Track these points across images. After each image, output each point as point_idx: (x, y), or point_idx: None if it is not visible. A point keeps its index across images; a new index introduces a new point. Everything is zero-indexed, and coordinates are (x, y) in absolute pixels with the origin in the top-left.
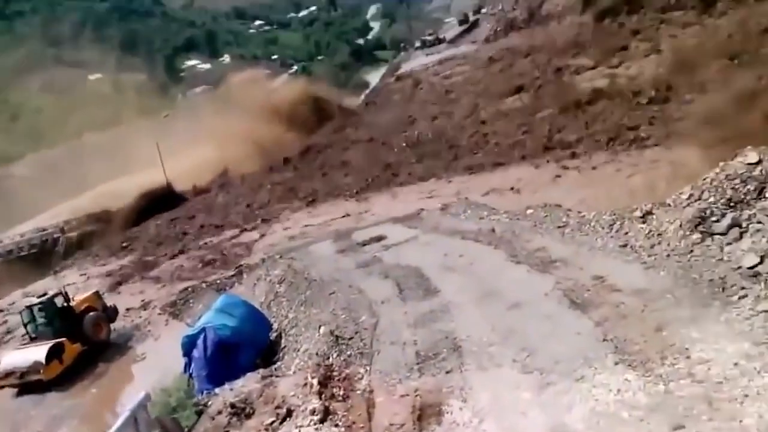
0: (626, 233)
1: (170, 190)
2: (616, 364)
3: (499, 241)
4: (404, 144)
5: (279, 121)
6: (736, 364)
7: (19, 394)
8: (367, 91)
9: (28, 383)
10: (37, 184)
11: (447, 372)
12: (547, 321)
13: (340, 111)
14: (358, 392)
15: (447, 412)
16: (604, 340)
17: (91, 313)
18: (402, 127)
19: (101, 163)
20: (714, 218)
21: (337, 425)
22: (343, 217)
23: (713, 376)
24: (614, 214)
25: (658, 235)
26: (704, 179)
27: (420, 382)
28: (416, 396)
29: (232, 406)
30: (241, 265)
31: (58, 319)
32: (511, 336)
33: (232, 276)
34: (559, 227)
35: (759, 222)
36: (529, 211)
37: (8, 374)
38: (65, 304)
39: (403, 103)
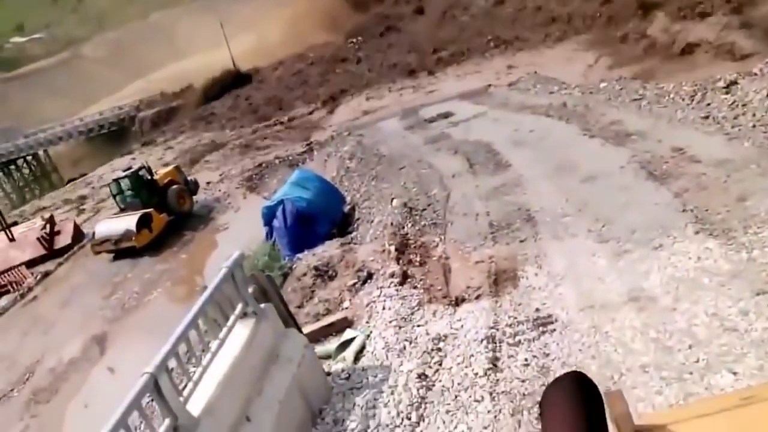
0: (708, 104)
1: (237, 70)
2: (696, 233)
3: (571, 115)
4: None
5: None
6: None
7: (115, 258)
8: None
9: (122, 249)
10: (105, 64)
11: (521, 241)
12: (623, 192)
13: None
14: (434, 259)
15: (522, 277)
16: (683, 210)
17: (174, 186)
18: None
19: (165, 43)
20: None
21: (415, 287)
22: (410, 93)
23: None
24: (696, 85)
25: (743, 105)
26: None
27: (494, 250)
28: (491, 262)
29: (316, 269)
30: (311, 142)
31: (144, 191)
32: (585, 207)
33: (303, 152)
34: (635, 100)
35: None
36: (602, 85)
37: (104, 241)
38: (149, 178)
39: None
